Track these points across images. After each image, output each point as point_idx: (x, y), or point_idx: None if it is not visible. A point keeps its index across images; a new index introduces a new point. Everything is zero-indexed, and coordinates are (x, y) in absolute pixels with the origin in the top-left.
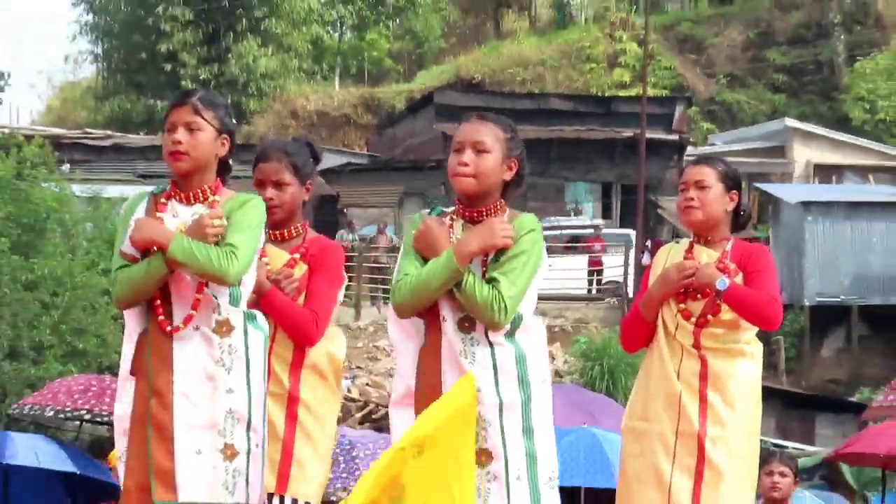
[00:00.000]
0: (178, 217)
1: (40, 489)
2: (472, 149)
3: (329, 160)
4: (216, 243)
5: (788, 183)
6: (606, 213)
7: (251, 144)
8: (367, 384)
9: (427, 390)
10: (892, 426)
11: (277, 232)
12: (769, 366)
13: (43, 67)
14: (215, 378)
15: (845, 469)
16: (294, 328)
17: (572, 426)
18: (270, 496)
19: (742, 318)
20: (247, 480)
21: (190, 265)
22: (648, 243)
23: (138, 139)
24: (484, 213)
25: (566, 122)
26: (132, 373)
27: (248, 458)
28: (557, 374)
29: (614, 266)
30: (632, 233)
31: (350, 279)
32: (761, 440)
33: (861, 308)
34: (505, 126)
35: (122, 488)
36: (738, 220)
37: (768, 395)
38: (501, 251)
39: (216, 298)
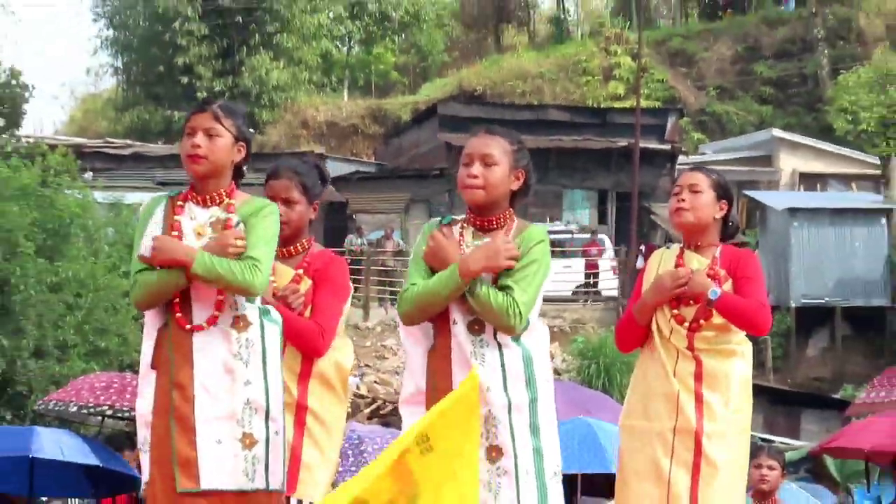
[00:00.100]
0: (195, 219)
1: (64, 481)
2: (481, 161)
3: (338, 168)
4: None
5: (775, 190)
6: (602, 219)
7: (264, 153)
8: (375, 382)
9: (438, 392)
10: (875, 422)
11: (284, 248)
12: (757, 364)
13: (66, 80)
14: (234, 371)
15: (829, 462)
16: (301, 341)
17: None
18: None
19: (733, 324)
20: (266, 467)
21: (214, 281)
22: (643, 248)
23: (157, 148)
24: (493, 222)
25: (564, 133)
26: (153, 366)
27: (267, 445)
28: (556, 372)
29: (579, 271)
30: (605, 238)
31: (359, 282)
32: (749, 435)
33: (844, 309)
34: (512, 139)
35: (147, 477)
36: (727, 230)
37: (756, 391)
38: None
39: (234, 296)
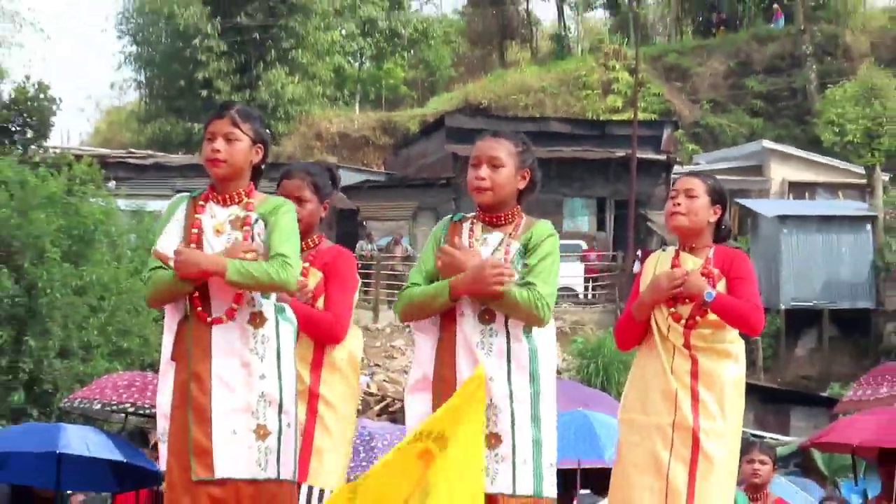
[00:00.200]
0: (215, 217)
1: (90, 476)
2: (488, 164)
3: (350, 178)
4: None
5: (766, 198)
6: (601, 226)
7: (279, 163)
8: (384, 380)
9: (443, 381)
10: (861, 419)
11: None
12: (748, 363)
13: (91, 93)
14: (249, 365)
15: (817, 457)
16: (318, 331)
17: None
18: None
19: (728, 324)
20: (278, 457)
21: (249, 285)
22: (639, 253)
23: (177, 158)
24: (502, 218)
25: (564, 144)
26: (173, 358)
27: (279, 437)
28: (557, 371)
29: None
30: (582, 243)
31: (369, 285)
32: (742, 431)
33: (831, 312)
34: (517, 141)
35: (164, 466)
36: (720, 233)
37: (748, 389)
38: (529, 252)
39: (251, 292)
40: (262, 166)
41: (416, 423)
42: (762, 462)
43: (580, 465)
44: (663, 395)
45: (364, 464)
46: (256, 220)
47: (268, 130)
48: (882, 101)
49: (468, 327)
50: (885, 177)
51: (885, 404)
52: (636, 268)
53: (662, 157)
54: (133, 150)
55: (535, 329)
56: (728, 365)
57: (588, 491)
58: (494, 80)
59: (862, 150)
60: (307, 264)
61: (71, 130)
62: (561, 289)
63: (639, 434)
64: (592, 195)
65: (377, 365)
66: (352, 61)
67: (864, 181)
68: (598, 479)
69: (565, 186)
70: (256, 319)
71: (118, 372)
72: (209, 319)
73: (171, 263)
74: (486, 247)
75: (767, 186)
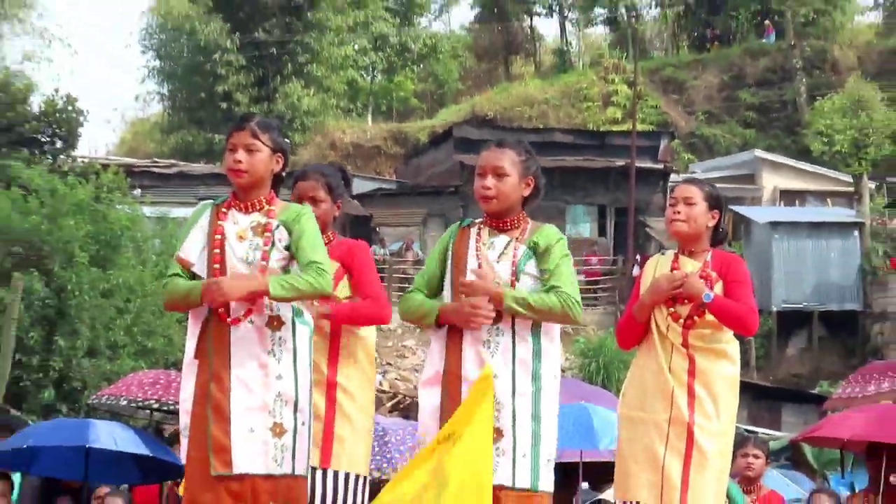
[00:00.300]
0: (237, 224)
1: (117, 469)
2: (493, 173)
3: (362, 186)
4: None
5: (758, 206)
6: (602, 232)
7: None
8: (396, 378)
9: (451, 376)
10: (849, 416)
11: None
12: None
13: (117, 105)
14: (267, 366)
15: (807, 451)
16: (366, 318)
17: None
18: (314, 470)
19: (724, 325)
20: (293, 454)
21: (293, 297)
22: (638, 257)
23: (200, 167)
24: (508, 224)
25: (567, 154)
26: (195, 356)
27: (294, 434)
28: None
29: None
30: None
31: None
32: (735, 427)
33: (821, 313)
34: (520, 150)
35: (186, 458)
36: (717, 236)
37: (741, 387)
38: (541, 257)
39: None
40: (283, 174)
41: (427, 415)
42: (756, 456)
43: (582, 459)
44: (661, 393)
45: (378, 458)
46: (277, 227)
47: (286, 140)
48: (868, 113)
49: None
50: (872, 185)
51: (873, 401)
52: (636, 271)
53: (660, 166)
54: (157, 159)
55: (541, 330)
56: (724, 364)
57: (586, 485)
58: (500, 93)
59: (849, 159)
60: None
61: (98, 141)
62: None
63: (637, 430)
64: (594, 202)
65: (389, 364)
66: (364, 75)
67: (851, 189)
68: (597, 473)
69: (568, 194)
70: (274, 322)
71: (143, 370)
72: (229, 320)
73: (202, 286)
74: (492, 250)
75: (760, 194)
